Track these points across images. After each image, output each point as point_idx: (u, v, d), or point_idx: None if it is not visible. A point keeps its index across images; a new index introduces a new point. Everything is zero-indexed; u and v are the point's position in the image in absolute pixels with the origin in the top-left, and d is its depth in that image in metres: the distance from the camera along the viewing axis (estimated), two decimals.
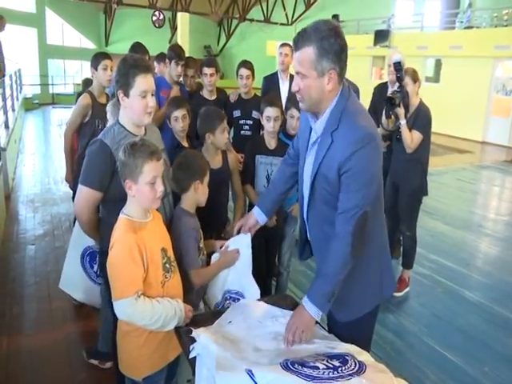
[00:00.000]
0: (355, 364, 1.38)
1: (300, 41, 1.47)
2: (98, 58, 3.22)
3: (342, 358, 1.41)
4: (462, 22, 13.10)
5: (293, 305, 1.85)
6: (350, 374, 1.32)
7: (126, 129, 1.85)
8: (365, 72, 14.67)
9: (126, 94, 1.79)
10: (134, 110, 1.81)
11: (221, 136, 2.48)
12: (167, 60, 3.41)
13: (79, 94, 3.61)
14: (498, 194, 7.42)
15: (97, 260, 2.64)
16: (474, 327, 3.16)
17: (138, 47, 3.85)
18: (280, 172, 2.01)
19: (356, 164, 1.46)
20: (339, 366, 1.36)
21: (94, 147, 1.81)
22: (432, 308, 3.41)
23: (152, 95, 1.84)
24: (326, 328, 1.77)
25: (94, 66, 3.22)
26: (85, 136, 3.27)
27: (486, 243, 4.85)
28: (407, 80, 3.27)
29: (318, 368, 1.34)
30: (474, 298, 3.55)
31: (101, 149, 1.78)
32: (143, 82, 1.77)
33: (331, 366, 1.35)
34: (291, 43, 1.61)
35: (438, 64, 13.29)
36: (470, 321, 3.24)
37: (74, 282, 2.77)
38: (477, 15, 13.12)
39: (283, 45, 3.97)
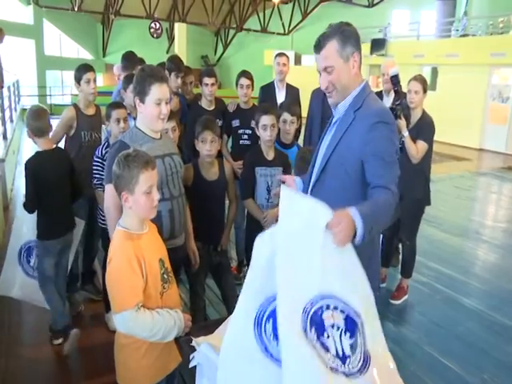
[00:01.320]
0: (360, 358, 1.29)
1: (321, 41, 1.62)
2: (80, 72, 3.15)
3: (353, 342, 1.29)
4: (457, 30, 13.24)
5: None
6: (352, 373, 1.24)
7: (143, 132, 1.99)
8: None
9: (142, 101, 1.94)
10: (148, 116, 1.96)
11: (201, 145, 2.49)
12: (166, 71, 3.43)
13: None
14: (496, 200, 7.44)
15: (33, 254, 2.82)
16: (473, 334, 3.15)
17: (131, 56, 3.85)
18: None
19: (379, 135, 1.55)
20: (348, 357, 1.25)
21: (116, 147, 1.94)
22: (431, 316, 3.40)
23: (166, 103, 1.97)
24: None
25: (77, 79, 3.16)
26: (72, 149, 3.22)
27: (484, 250, 4.86)
28: (418, 89, 3.23)
29: (328, 350, 1.24)
30: (473, 306, 3.55)
31: (122, 148, 1.86)
32: (158, 91, 1.92)
33: (341, 353, 1.25)
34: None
35: (435, 72, 13.40)
36: (470, 328, 3.23)
37: (11, 282, 2.89)
38: (472, 23, 13.25)
39: (280, 55, 4.00)
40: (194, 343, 1.46)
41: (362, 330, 1.31)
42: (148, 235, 1.68)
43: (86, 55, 20.70)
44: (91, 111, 3.29)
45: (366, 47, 14.72)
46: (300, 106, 3.99)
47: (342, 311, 1.29)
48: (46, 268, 2.70)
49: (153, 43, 19.56)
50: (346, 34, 1.59)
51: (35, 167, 2.61)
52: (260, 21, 21.38)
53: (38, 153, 2.66)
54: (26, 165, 2.59)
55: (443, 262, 4.38)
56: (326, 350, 1.24)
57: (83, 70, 3.16)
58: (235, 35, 23.02)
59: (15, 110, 10.07)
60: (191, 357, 1.44)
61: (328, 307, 1.29)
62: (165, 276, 1.68)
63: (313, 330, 1.25)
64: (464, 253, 4.75)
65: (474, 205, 7.05)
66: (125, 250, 1.56)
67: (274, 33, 21.51)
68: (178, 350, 1.64)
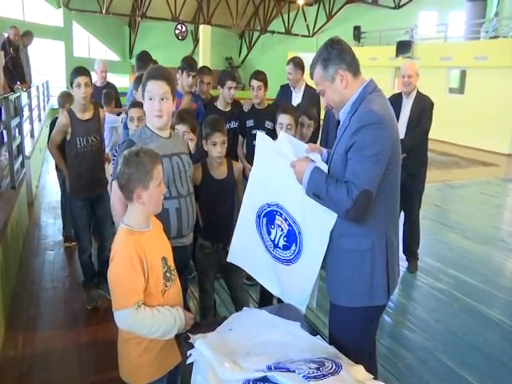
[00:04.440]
0: (289, 256, 1.82)
1: (310, 70, 1.78)
2: (72, 76, 3.04)
3: (286, 245, 1.83)
4: (487, 31, 12.86)
5: (296, 315, 1.83)
6: (278, 258, 1.86)
7: (151, 130, 2.04)
8: (387, 83, 14.52)
9: (143, 97, 2.04)
10: (147, 113, 2.04)
11: (211, 147, 2.47)
12: (179, 71, 3.46)
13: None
14: None
15: None
16: (492, 346, 3.04)
17: (144, 56, 3.97)
18: None
19: (359, 139, 1.59)
20: (279, 247, 1.85)
21: (124, 145, 1.99)
22: (448, 324, 3.30)
23: (162, 99, 2.00)
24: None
25: (70, 83, 3.08)
26: (69, 154, 3.22)
27: (509, 259, 4.68)
28: None
29: (270, 234, 1.89)
30: (492, 315, 3.42)
31: (130, 146, 1.88)
32: (151, 86, 1.99)
33: (276, 242, 1.86)
34: (312, 55, 1.80)
35: (463, 75, 13.06)
36: (488, 339, 3.12)
37: None
38: (503, 24, 12.85)
39: (289, 62, 3.95)
40: (191, 340, 1.46)
41: (298, 244, 1.79)
42: (152, 233, 1.68)
43: (114, 57, 21.19)
44: (87, 115, 3.21)
45: (391, 49, 14.52)
46: (319, 108, 3.95)
47: (289, 224, 1.82)
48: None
49: (178, 45, 19.84)
50: (325, 57, 1.70)
51: (51, 125, 4.15)
52: (284, 23, 21.36)
53: (55, 117, 4.12)
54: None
55: (464, 269, 4.25)
56: (269, 233, 1.90)
57: (74, 74, 3.05)
58: (259, 37, 23.08)
59: (44, 109, 10.33)
60: (188, 354, 1.44)
61: (281, 215, 1.84)
62: (167, 274, 1.67)
63: (265, 218, 1.91)
64: (487, 261, 4.59)
65: (501, 212, 6.80)
66: (127, 247, 1.57)
67: (298, 35, 21.44)
68: (178, 348, 1.64)
